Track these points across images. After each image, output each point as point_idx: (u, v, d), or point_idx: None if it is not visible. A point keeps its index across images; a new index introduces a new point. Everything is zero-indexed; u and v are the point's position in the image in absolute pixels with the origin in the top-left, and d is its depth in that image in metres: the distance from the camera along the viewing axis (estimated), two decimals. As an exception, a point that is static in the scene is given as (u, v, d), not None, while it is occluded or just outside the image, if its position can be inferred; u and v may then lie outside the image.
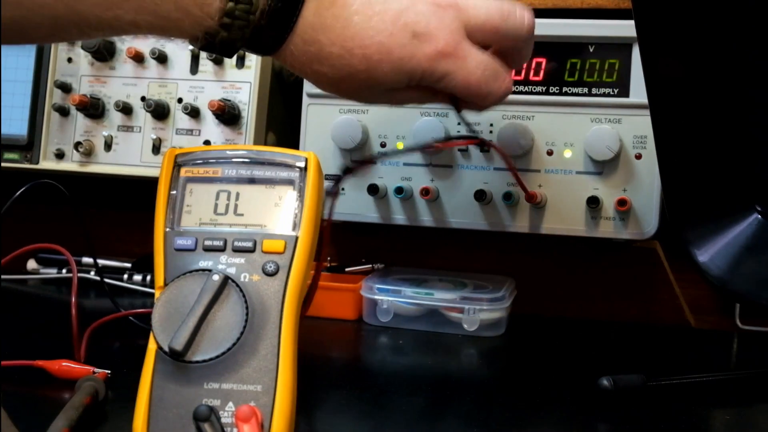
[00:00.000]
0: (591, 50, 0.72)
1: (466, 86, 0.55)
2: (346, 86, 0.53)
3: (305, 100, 0.78)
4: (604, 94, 0.71)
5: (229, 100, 0.78)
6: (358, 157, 0.76)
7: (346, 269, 0.82)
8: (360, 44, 0.51)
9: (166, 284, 0.45)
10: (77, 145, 0.82)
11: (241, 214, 0.48)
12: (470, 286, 0.76)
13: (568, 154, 0.72)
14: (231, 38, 0.47)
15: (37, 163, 0.83)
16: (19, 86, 0.84)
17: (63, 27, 0.46)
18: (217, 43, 0.47)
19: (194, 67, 0.80)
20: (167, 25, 0.46)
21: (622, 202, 0.70)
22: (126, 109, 0.81)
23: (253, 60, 0.79)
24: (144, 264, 0.89)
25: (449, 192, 0.74)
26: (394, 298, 0.73)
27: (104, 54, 0.81)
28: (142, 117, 0.81)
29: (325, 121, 0.77)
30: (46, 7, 0.43)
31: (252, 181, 0.48)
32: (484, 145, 0.72)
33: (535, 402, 0.57)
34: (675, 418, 0.54)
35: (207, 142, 0.79)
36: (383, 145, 0.76)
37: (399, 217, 0.76)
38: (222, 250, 0.46)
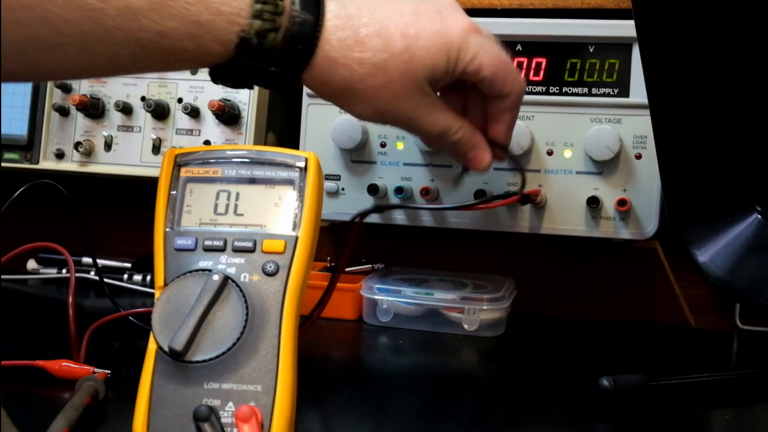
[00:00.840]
0: (591, 50, 0.72)
1: (498, 62, 0.55)
2: (388, 81, 0.52)
3: (305, 100, 0.78)
4: (604, 94, 0.71)
5: (229, 100, 0.78)
6: (358, 158, 0.76)
7: (346, 269, 0.82)
8: (394, 23, 0.51)
9: (166, 284, 0.45)
10: (77, 145, 0.82)
11: (241, 214, 0.48)
12: (470, 286, 0.76)
13: (568, 154, 0.72)
14: (264, 29, 0.46)
15: (37, 163, 0.83)
16: (19, 86, 0.84)
17: (89, 46, 0.44)
18: (254, 37, 0.46)
19: (194, 67, 0.80)
20: (200, 31, 0.45)
21: (622, 202, 0.70)
22: (126, 109, 0.81)
23: (253, 60, 0.79)
24: (144, 264, 0.89)
25: (449, 192, 0.74)
26: (394, 298, 0.73)
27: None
28: (142, 117, 0.81)
29: (325, 121, 0.77)
30: (71, 23, 0.42)
31: (252, 181, 0.48)
32: (526, 201, 0.71)
33: (535, 402, 0.57)
34: (675, 418, 0.54)
35: (207, 142, 0.79)
36: (383, 146, 0.76)
37: (399, 217, 0.76)
38: (222, 250, 0.46)
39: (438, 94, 0.56)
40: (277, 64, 0.48)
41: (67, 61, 0.45)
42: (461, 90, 0.59)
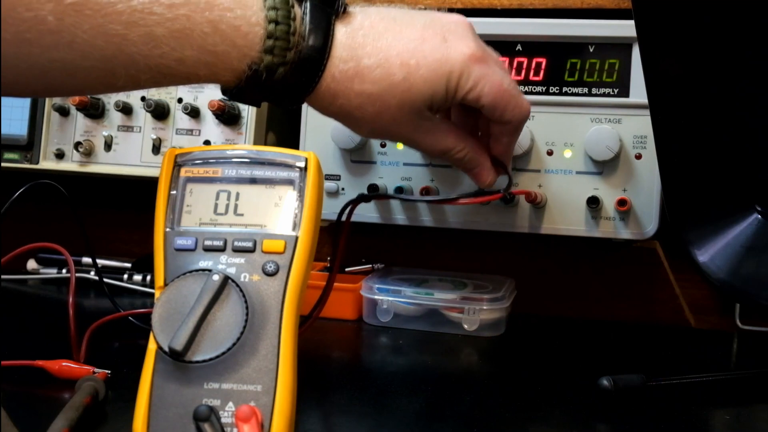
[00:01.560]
0: (591, 50, 0.72)
1: (499, 92, 0.56)
2: (387, 108, 0.54)
3: (305, 100, 0.78)
4: (604, 94, 0.71)
5: (229, 100, 0.78)
6: (358, 158, 0.76)
7: (346, 269, 0.82)
8: (396, 52, 0.52)
9: (166, 284, 0.45)
10: (77, 145, 0.82)
11: (241, 214, 0.48)
12: (470, 286, 0.76)
13: (568, 154, 0.72)
14: (275, 63, 0.49)
15: (37, 163, 0.83)
16: (19, 86, 0.84)
17: (112, 70, 0.46)
18: (263, 71, 0.48)
19: (194, 67, 0.80)
20: (215, 60, 0.47)
21: (622, 202, 0.70)
22: (126, 109, 0.81)
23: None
24: (144, 264, 0.89)
25: (449, 192, 0.74)
26: (394, 298, 0.74)
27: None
28: (142, 117, 0.81)
29: (325, 121, 0.75)
30: (96, 48, 0.44)
31: (252, 181, 0.48)
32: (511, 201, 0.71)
33: (535, 402, 0.57)
34: (675, 418, 0.54)
35: (207, 142, 0.79)
36: (383, 146, 0.76)
37: (399, 217, 0.76)
38: (222, 250, 0.46)
39: (438, 116, 0.57)
40: (282, 91, 0.51)
41: (88, 82, 0.47)
42: (472, 109, 0.59)
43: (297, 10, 0.50)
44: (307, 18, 0.50)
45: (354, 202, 0.62)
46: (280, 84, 0.50)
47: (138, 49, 0.45)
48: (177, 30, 0.45)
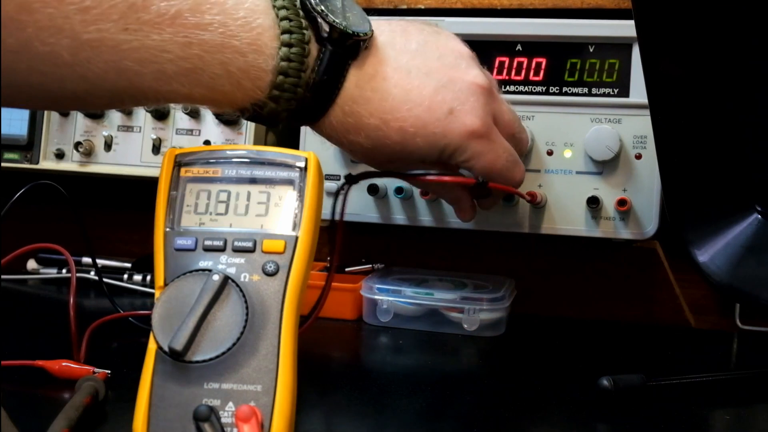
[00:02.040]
0: (591, 50, 0.72)
1: (491, 169, 0.57)
2: (379, 155, 0.55)
3: (305, 100, 0.78)
4: (604, 94, 0.71)
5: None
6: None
7: (346, 269, 0.82)
8: (397, 116, 0.52)
9: (166, 284, 0.45)
10: (77, 145, 0.82)
11: (241, 214, 0.48)
12: (470, 286, 0.76)
13: (568, 154, 0.72)
14: (278, 110, 0.49)
15: (37, 163, 0.83)
16: (19, 86, 0.84)
17: (120, 99, 0.47)
18: (265, 114, 0.49)
19: (194, 67, 0.80)
20: (220, 98, 0.47)
21: (622, 202, 0.70)
22: (126, 109, 0.81)
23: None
24: (144, 264, 0.89)
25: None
26: (394, 298, 0.73)
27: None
28: (142, 117, 0.81)
29: (325, 121, 0.76)
30: (108, 81, 0.44)
31: (252, 181, 0.48)
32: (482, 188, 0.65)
33: (535, 402, 0.57)
34: (675, 418, 0.54)
35: (207, 142, 0.79)
36: (383, 145, 0.76)
37: (399, 217, 0.76)
38: (222, 250, 0.46)
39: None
40: (280, 124, 0.52)
41: (96, 106, 0.52)
42: None
43: (312, 50, 0.49)
44: (322, 68, 0.49)
45: (347, 183, 0.60)
46: (279, 122, 0.51)
47: (149, 84, 0.45)
48: (188, 69, 0.45)
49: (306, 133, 0.78)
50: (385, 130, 0.52)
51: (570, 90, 0.72)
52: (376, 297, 0.74)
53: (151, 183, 0.49)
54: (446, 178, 0.60)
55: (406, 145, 0.53)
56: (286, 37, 0.47)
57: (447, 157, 0.55)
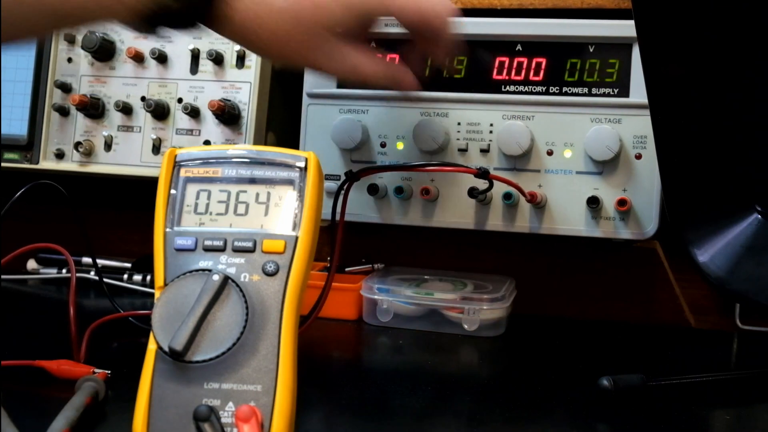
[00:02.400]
0: (591, 50, 0.72)
1: (418, 6, 0.58)
2: (292, 29, 0.55)
3: (305, 100, 0.78)
4: (604, 94, 0.71)
5: (229, 100, 0.78)
6: (358, 158, 0.76)
7: (346, 269, 0.82)
8: None
9: (166, 284, 0.45)
10: (77, 145, 0.82)
11: (241, 214, 0.48)
12: (470, 286, 0.76)
13: (568, 154, 0.72)
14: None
15: (37, 163, 0.83)
16: (19, 86, 0.84)
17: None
18: (156, 8, 0.50)
19: (194, 67, 0.80)
20: (110, 3, 0.50)
21: (622, 202, 0.70)
22: (126, 109, 0.81)
23: (253, 60, 0.79)
24: (144, 264, 0.89)
25: (449, 192, 0.74)
26: (394, 298, 0.73)
27: (104, 54, 0.82)
28: (142, 117, 0.81)
29: (325, 121, 0.77)
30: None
31: (252, 181, 0.48)
32: (484, 177, 0.67)
33: (535, 402, 0.57)
34: (675, 418, 0.54)
35: (207, 142, 0.79)
36: (383, 145, 0.76)
37: (399, 217, 0.76)
38: (222, 250, 0.46)
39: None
40: (177, 21, 0.53)
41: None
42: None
43: None
44: None
45: (348, 180, 0.63)
46: (175, 16, 0.52)
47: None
48: None
49: (306, 133, 0.78)
50: None
51: (570, 90, 0.72)
52: (376, 297, 0.74)
53: (151, 183, 0.49)
54: (448, 169, 0.60)
55: (318, 3, 0.54)
56: None
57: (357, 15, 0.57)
